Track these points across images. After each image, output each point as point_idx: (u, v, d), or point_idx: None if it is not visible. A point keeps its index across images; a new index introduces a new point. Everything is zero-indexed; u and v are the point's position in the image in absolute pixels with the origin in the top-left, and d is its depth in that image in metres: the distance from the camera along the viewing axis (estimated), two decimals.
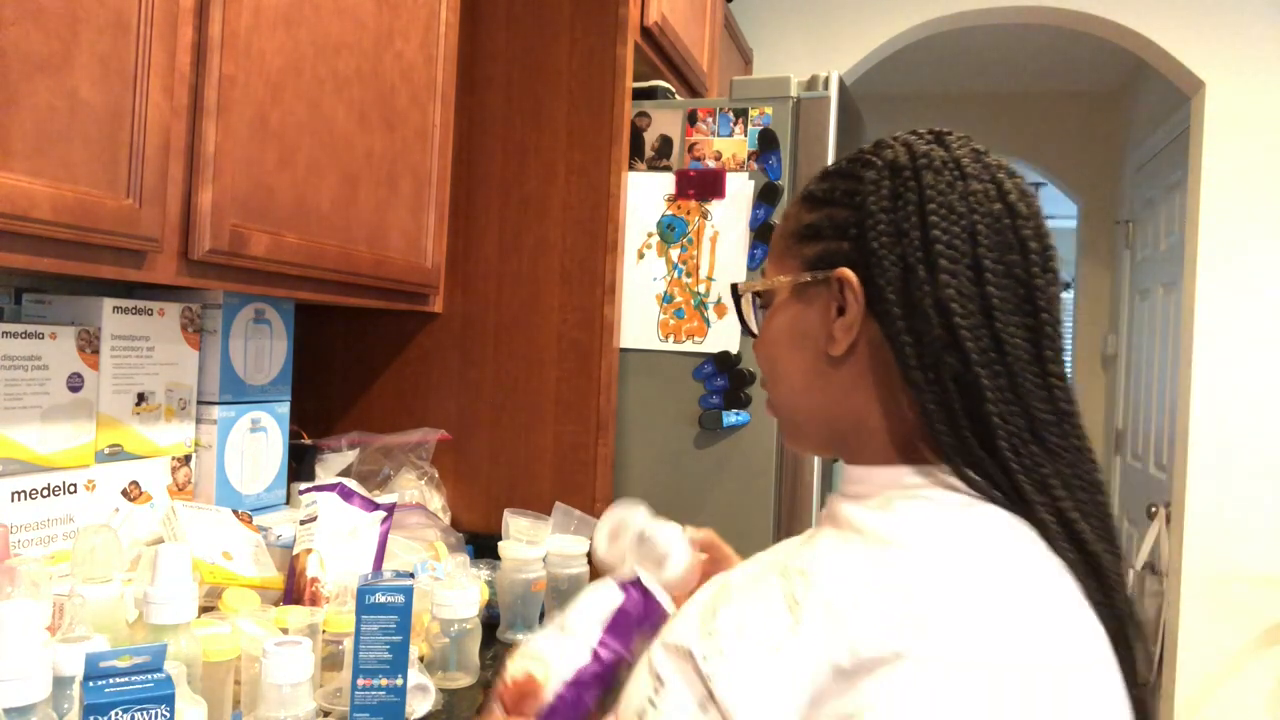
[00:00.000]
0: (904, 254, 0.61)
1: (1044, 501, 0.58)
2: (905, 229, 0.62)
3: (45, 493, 1.08)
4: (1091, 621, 0.56)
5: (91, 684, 0.73)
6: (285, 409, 1.44)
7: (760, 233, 1.58)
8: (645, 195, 1.64)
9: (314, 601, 1.13)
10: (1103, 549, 0.59)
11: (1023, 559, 0.56)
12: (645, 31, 1.73)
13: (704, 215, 1.62)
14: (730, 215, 1.60)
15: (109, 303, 1.15)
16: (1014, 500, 0.58)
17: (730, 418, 1.59)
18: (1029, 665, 0.51)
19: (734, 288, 0.75)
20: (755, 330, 0.74)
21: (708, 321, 1.61)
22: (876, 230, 0.62)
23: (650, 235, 1.64)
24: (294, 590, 1.15)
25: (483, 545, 1.54)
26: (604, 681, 0.74)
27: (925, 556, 0.54)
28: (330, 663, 1.08)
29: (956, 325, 0.59)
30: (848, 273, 0.63)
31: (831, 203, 0.67)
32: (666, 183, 1.64)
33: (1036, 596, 0.54)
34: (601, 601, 0.77)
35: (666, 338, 1.64)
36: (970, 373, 0.59)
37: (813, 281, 0.66)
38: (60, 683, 0.79)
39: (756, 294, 0.73)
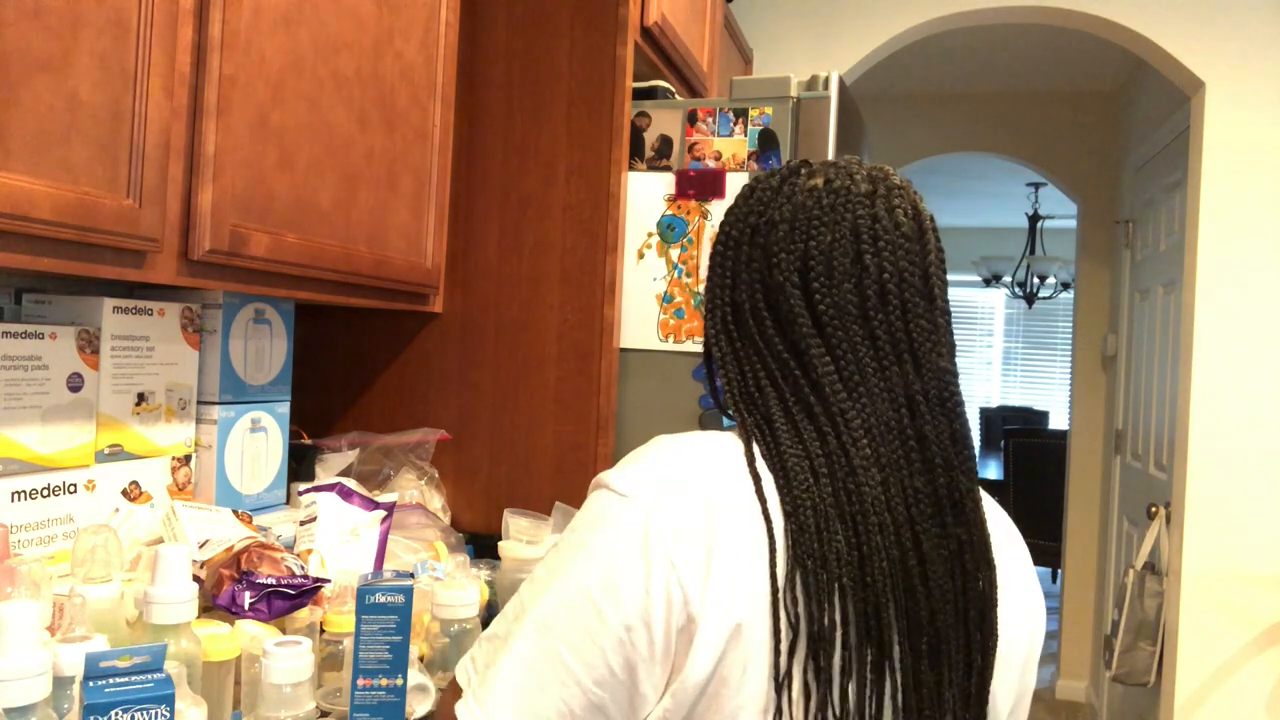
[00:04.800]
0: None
1: (761, 423, 0.83)
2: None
3: (45, 493, 1.08)
4: (735, 494, 0.73)
5: (91, 684, 0.73)
6: (285, 409, 1.44)
7: None
8: (645, 195, 1.65)
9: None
10: (797, 451, 0.77)
11: (706, 449, 0.79)
12: (645, 31, 1.73)
13: (704, 215, 1.62)
14: None
15: (109, 303, 1.15)
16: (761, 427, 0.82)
17: (730, 418, 1.59)
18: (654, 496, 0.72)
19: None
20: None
21: None
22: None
23: (650, 235, 1.64)
24: None
25: (483, 545, 1.54)
26: None
27: (654, 446, 0.78)
28: (330, 663, 1.08)
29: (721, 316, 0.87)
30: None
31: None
32: (666, 183, 1.64)
33: (691, 465, 0.75)
34: None
35: (666, 338, 1.64)
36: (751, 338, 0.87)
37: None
38: (60, 683, 0.79)
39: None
